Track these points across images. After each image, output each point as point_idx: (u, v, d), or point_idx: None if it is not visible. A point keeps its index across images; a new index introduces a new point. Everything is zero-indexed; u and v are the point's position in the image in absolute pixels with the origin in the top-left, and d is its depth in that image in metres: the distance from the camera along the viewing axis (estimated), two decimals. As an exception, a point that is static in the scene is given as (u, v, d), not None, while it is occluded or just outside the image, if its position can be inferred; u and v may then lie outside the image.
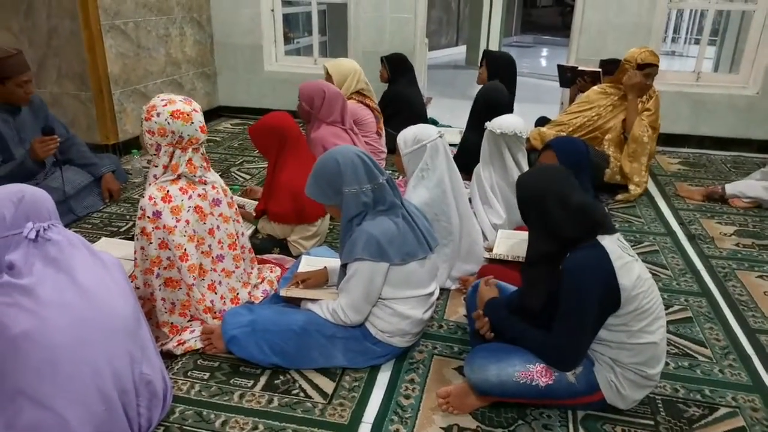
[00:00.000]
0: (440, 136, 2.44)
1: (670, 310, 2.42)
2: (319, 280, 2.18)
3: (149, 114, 1.96)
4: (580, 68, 4.25)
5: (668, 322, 2.25)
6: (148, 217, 1.96)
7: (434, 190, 2.41)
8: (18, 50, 3.01)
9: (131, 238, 2.89)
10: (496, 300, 1.91)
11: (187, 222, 2.02)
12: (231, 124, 5.38)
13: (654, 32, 4.67)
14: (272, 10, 5.32)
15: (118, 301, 1.58)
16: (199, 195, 2.06)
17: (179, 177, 2.02)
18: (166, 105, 1.96)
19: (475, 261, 2.60)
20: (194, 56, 5.14)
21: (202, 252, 2.09)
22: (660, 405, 1.87)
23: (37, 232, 1.46)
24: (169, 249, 2.00)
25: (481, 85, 3.84)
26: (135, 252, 2.04)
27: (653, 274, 2.33)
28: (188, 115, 1.97)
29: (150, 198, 1.96)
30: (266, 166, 2.79)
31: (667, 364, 2.02)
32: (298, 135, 2.74)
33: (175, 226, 1.98)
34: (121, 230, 3.09)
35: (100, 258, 1.60)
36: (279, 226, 2.73)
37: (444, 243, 2.44)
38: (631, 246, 2.59)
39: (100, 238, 2.89)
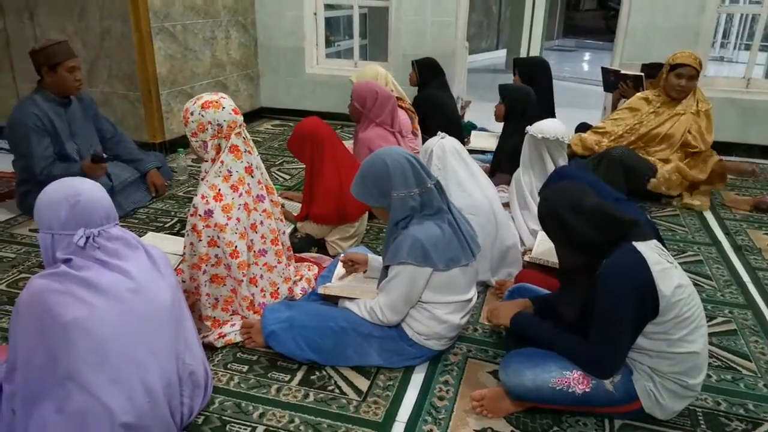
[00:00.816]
0: (442, 138, 2.49)
1: (714, 321, 2.36)
2: (362, 258, 2.28)
3: (186, 119, 2.04)
4: (622, 72, 4.18)
5: (711, 334, 2.20)
6: (200, 215, 2.02)
7: (452, 187, 2.43)
8: (64, 39, 3.15)
9: (176, 234, 3.00)
10: (521, 313, 1.90)
11: (238, 219, 2.07)
12: (272, 125, 5.49)
13: (702, 37, 4.55)
14: (315, 14, 5.40)
15: (165, 296, 1.63)
16: (247, 192, 2.11)
17: (230, 173, 2.07)
18: (195, 103, 2.04)
19: (512, 265, 2.58)
20: (238, 58, 5.26)
21: (246, 246, 2.15)
22: (701, 417, 1.83)
23: (87, 238, 1.49)
24: (218, 247, 2.06)
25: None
26: (184, 247, 2.11)
27: (696, 285, 2.28)
28: (217, 102, 2.04)
29: (202, 197, 2.03)
30: (305, 167, 2.83)
31: (709, 376, 1.98)
32: (330, 136, 2.78)
33: (227, 224, 2.04)
34: (166, 226, 3.19)
35: (150, 254, 1.64)
36: (319, 226, 2.78)
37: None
38: (674, 255, 2.54)
39: (146, 232, 2.99)
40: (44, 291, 1.44)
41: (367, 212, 2.91)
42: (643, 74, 4.02)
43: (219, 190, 2.05)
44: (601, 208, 1.66)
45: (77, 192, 1.51)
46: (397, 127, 3.37)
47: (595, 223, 1.63)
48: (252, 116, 5.51)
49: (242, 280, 2.11)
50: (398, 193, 1.89)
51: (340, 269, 2.35)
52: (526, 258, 2.56)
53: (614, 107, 4.16)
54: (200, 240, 2.03)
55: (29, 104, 3.06)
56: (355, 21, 5.55)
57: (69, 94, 3.16)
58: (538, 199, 2.77)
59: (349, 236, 2.83)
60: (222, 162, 2.05)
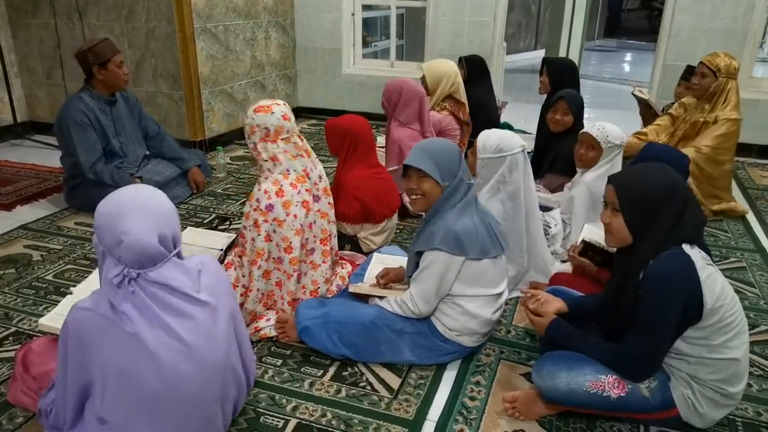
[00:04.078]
0: (523, 150, 2.36)
1: (756, 330, 2.29)
2: (398, 274, 2.23)
3: (249, 130, 2.10)
4: (633, 93, 4.19)
5: (754, 343, 2.13)
6: (261, 209, 2.07)
7: (508, 203, 2.37)
8: (105, 37, 3.28)
9: (214, 229, 3.08)
10: (556, 321, 1.84)
11: (295, 216, 2.12)
12: (308, 125, 5.55)
13: (750, 37, 4.40)
14: (352, 15, 5.45)
15: (218, 351, 1.51)
16: (307, 189, 2.16)
17: (288, 171, 2.12)
18: (251, 109, 2.11)
19: (544, 278, 2.51)
20: (277, 59, 5.34)
21: (300, 243, 2.18)
22: (740, 427, 1.78)
23: (123, 278, 1.39)
24: (271, 241, 2.10)
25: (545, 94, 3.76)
26: (244, 242, 2.14)
27: (739, 292, 2.22)
28: (268, 107, 2.09)
29: (265, 192, 2.08)
30: (338, 161, 2.88)
31: (750, 386, 1.93)
32: (370, 143, 2.81)
33: (284, 220, 2.09)
34: (205, 221, 3.27)
35: (205, 302, 1.48)
36: (348, 224, 2.81)
37: (511, 258, 2.37)
38: (716, 262, 2.47)
39: (185, 227, 3.07)
40: (89, 330, 1.39)
41: (395, 212, 2.92)
42: (648, 98, 4.03)
43: (281, 186, 2.10)
44: (699, 209, 1.65)
45: (126, 231, 1.36)
46: (425, 127, 3.35)
47: (689, 222, 1.60)
48: (289, 116, 5.58)
49: (292, 275, 2.15)
50: (464, 177, 1.96)
51: (373, 264, 2.36)
52: (580, 241, 2.36)
53: (644, 118, 4.18)
54: (259, 234, 2.09)
55: (76, 101, 3.19)
56: (392, 21, 5.57)
57: (119, 88, 3.29)
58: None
59: (380, 231, 2.85)
60: (281, 161, 2.11)
